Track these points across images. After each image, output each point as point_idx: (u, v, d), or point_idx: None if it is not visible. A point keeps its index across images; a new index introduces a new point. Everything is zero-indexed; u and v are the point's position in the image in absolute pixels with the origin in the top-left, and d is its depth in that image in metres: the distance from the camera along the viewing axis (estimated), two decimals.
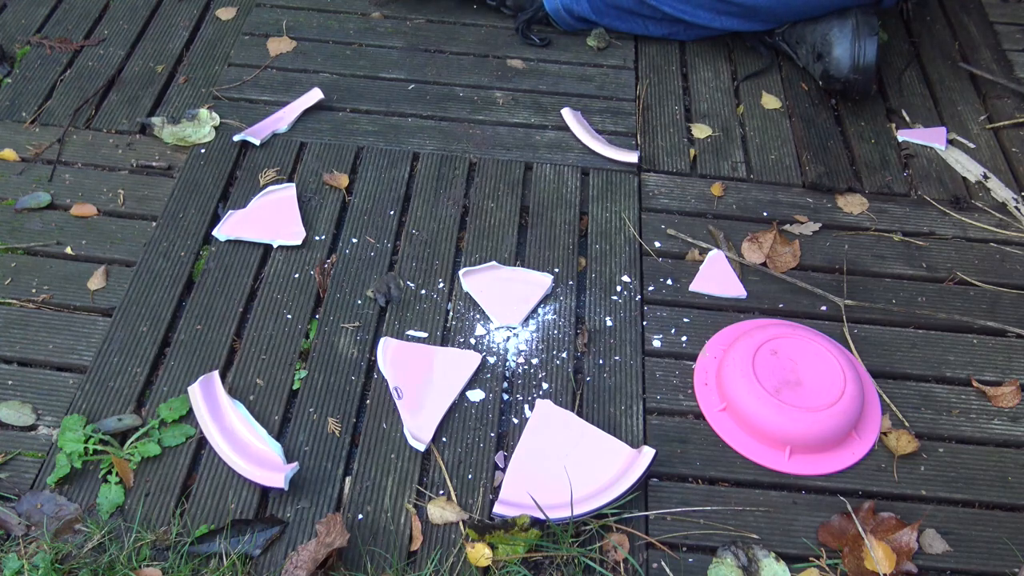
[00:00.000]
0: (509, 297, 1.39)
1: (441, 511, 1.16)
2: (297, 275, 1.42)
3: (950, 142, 1.71)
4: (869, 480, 1.23)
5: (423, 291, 1.41)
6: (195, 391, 1.24)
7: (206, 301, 1.38)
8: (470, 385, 1.29)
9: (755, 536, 1.16)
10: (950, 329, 1.41)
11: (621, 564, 1.12)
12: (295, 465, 1.18)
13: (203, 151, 1.59)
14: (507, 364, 1.33)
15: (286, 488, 1.16)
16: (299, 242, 1.45)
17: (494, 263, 1.42)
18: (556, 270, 1.44)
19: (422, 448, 1.21)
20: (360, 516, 1.16)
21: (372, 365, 1.32)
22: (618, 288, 1.43)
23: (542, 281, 1.41)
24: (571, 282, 1.43)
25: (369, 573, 1.11)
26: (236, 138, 1.61)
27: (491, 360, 1.33)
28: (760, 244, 1.49)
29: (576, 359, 1.34)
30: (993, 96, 1.81)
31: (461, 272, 1.41)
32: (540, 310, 1.39)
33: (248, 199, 1.51)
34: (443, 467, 1.20)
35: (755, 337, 1.30)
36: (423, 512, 1.16)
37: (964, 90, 1.83)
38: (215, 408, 1.23)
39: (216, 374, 1.26)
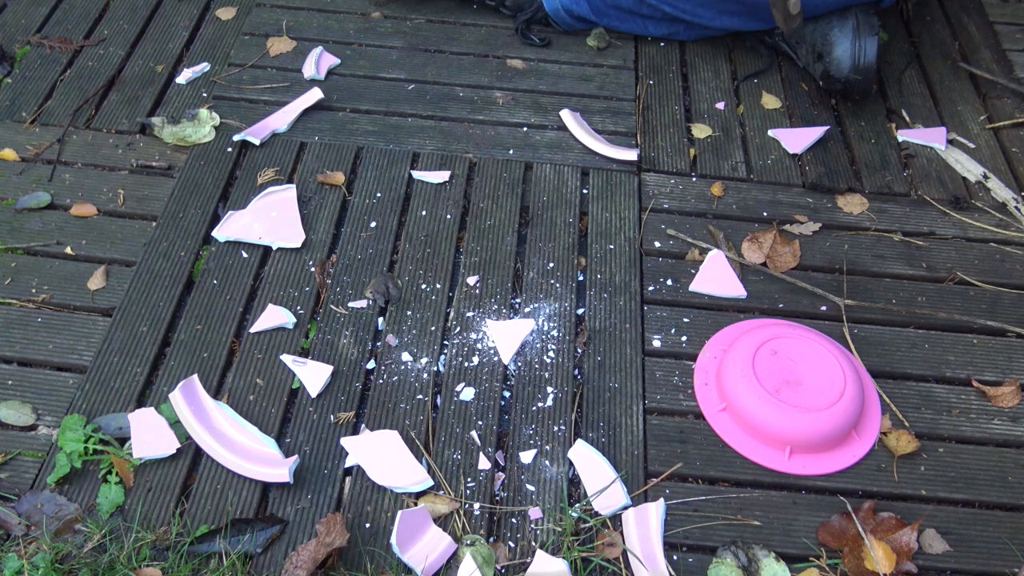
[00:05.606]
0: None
1: (432, 505, 1.16)
2: (297, 275, 1.42)
3: (950, 142, 1.71)
4: (869, 480, 1.23)
5: (423, 291, 1.41)
6: (177, 398, 1.22)
7: (206, 301, 1.38)
8: (465, 385, 1.29)
9: (756, 524, 1.16)
10: (950, 329, 1.41)
11: (620, 559, 1.12)
12: (295, 458, 1.18)
13: (203, 151, 1.59)
14: (507, 364, 1.32)
15: (291, 481, 1.16)
16: (299, 245, 1.45)
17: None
18: (552, 265, 1.44)
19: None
20: (360, 516, 1.16)
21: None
22: (618, 288, 1.43)
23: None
24: (571, 282, 1.43)
25: (369, 573, 1.11)
26: (236, 138, 1.61)
27: (491, 360, 1.33)
28: (760, 244, 1.49)
29: (576, 359, 1.34)
30: (993, 96, 1.81)
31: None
32: (543, 308, 1.39)
33: (248, 199, 1.51)
34: (437, 469, 1.21)
35: (755, 337, 1.29)
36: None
37: (964, 90, 1.83)
38: (200, 412, 1.22)
39: (196, 378, 1.26)
